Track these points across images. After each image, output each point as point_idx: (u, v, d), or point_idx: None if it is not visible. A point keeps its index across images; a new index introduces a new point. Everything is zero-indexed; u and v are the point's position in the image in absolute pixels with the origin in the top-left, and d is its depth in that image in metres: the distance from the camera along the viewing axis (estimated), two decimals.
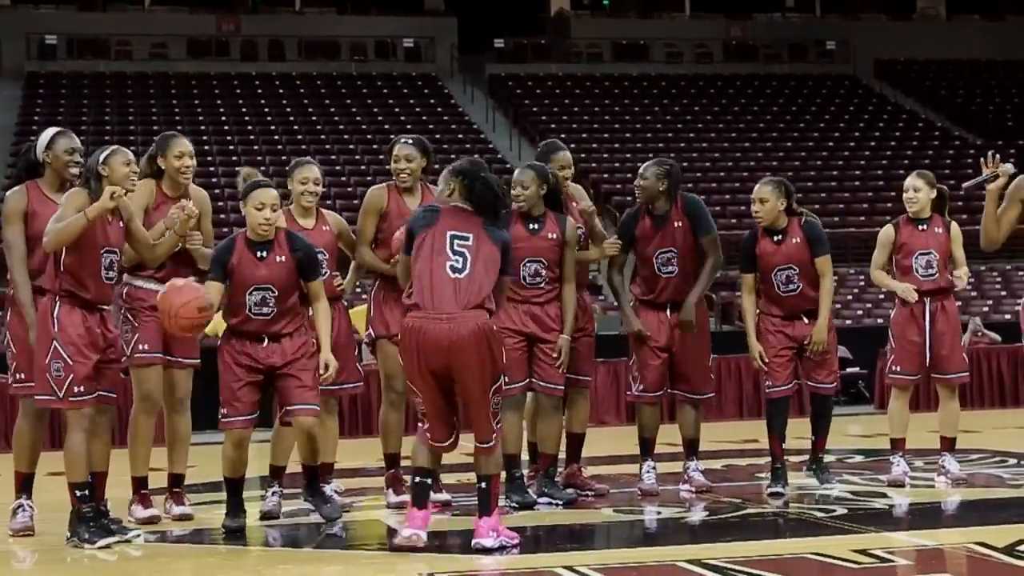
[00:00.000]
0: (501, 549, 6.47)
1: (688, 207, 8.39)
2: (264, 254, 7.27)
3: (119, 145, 7.47)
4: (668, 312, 8.37)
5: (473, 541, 6.54)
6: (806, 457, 8.93)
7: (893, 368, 8.78)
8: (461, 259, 6.63)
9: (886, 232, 8.81)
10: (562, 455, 8.46)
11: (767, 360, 8.41)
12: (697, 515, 7.71)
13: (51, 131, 7.59)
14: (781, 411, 8.50)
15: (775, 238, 8.41)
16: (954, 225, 8.79)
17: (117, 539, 7.03)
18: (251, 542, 7.45)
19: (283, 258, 7.30)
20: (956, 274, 8.71)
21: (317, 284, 7.43)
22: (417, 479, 6.80)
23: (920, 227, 8.71)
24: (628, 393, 8.65)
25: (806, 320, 8.42)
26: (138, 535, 7.21)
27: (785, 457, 8.45)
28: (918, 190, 8.76)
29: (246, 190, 7.39)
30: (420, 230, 6.75)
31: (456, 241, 6.66)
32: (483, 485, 6.67)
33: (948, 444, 8.73)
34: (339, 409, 15.93)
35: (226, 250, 7.27)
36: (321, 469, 8.16)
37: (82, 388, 6.99)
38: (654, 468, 8.49)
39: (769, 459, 8.50)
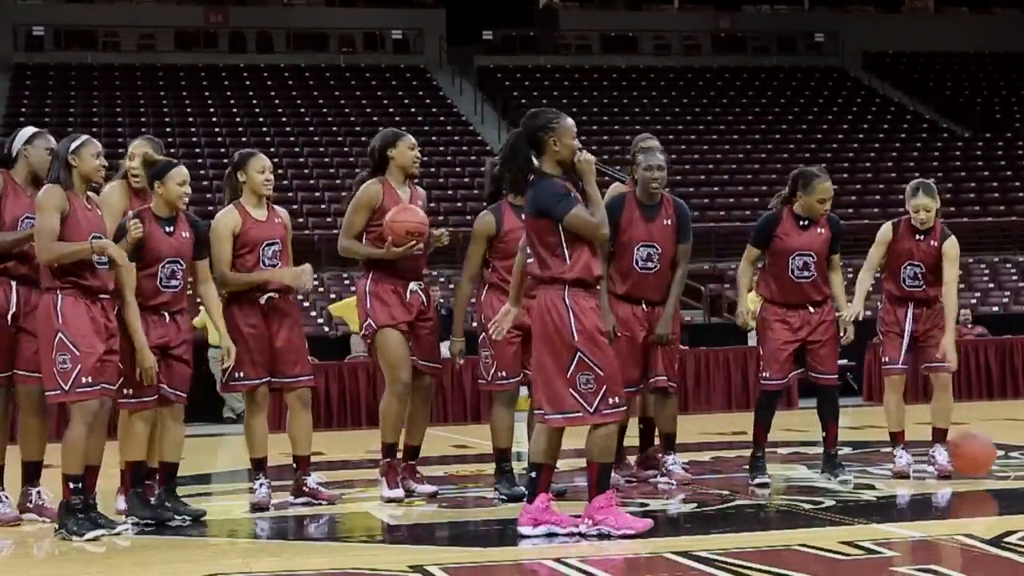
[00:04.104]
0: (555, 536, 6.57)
1: (680, 209, 8.36)
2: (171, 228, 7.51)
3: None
4: (643, 306, 8.31)
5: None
6: (795, 450, 8.93)
7: (884, 360, 8.80)
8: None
9: (884, 232, 8.71)
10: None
11: (766, 350, 8.38)
12: (686, 507, 7.71)
13: (31, 129, 7.71)
14: (772, 404, 8.52)
15: (801, 223, 8.43)
16: (951, 241, 8.61)
17: (105, 532, 7.03)
18: (239, 534, 7.46)
19: (186, 234, 7.55)
20: (945, 302, 8.57)
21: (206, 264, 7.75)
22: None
23: (917, 237, 8.60)
24: None
25: (811, 309, 8.42)
26: (126, 528, 7.21)
27: (767, 449, 8.50)
28: (928, 210, 8.55)
29: (163, 169, 7.50)
30: None
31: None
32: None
33: (940, 435, 8.71)
34: (327, 402, 16.20)
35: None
36: (300, 462, 8.17)
37: (89, 379, 6.98)
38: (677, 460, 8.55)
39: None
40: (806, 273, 8.38)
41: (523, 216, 8.07)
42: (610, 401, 6.54)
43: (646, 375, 8.36)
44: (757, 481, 8.27)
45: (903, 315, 8.68)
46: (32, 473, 7.79)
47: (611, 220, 8.10)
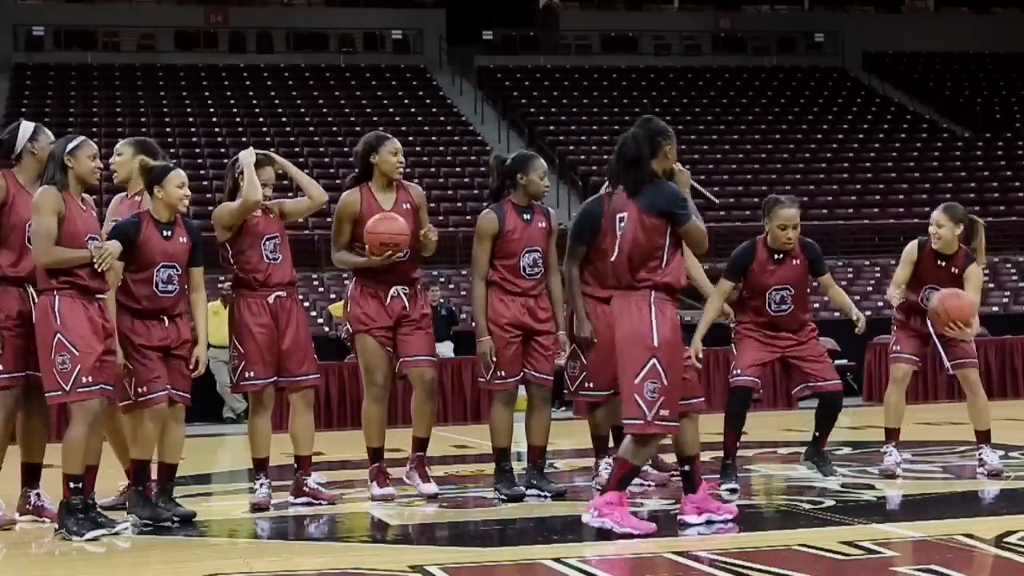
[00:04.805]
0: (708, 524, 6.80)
1: None
2: (169, 233, 7.48)
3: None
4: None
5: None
6: (795, 450, 8.91)
7: (894, 348, 8.73)
8: (619, 240, 6.77)
9: (910, 251, 8.63)
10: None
11: (740, 350, 8.36)
12: None
13: (30, 125, 7.66)
14: (742, 404, 8.44)
15: (776, 256, 8.30)
16: (974, 267, 8.52)
17: (105, 532, 7.03)
18: (239, 534, 7.47)
19: (184, 239, 7.52)
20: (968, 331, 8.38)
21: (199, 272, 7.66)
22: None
23: (940, 262, 8.52)
24: (566, 391, 8.38)
25: (789, 335, 8.37)
26: (126, 527, 7.21)
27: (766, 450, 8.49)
28: (941, 226, 8.45)
29: (160, 173, 7.49)
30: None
31: (619, 222, 6.80)
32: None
33: (982, 436, 8.64)
34: (327, 402, 16.19)
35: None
36: (301, 462, 8.17)
37: (89, 379, 6.99)
38: (611, 464, 8.48)
39: (755, 451, 8.48)
40: (784, 307, 8.32)
41: (524, 216, 8.10)
42: (663, 413, 6.62)
43: None
44: (726, 487, 8.15)
45: (919, 322, 8.64)
46: (32, 475, 7.79)
47: (592, 224, 8.14)
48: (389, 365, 8.25)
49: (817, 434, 8.58)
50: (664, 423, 6.62)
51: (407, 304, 8.25)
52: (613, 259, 6.78)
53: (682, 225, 6.66)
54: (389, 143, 8.29)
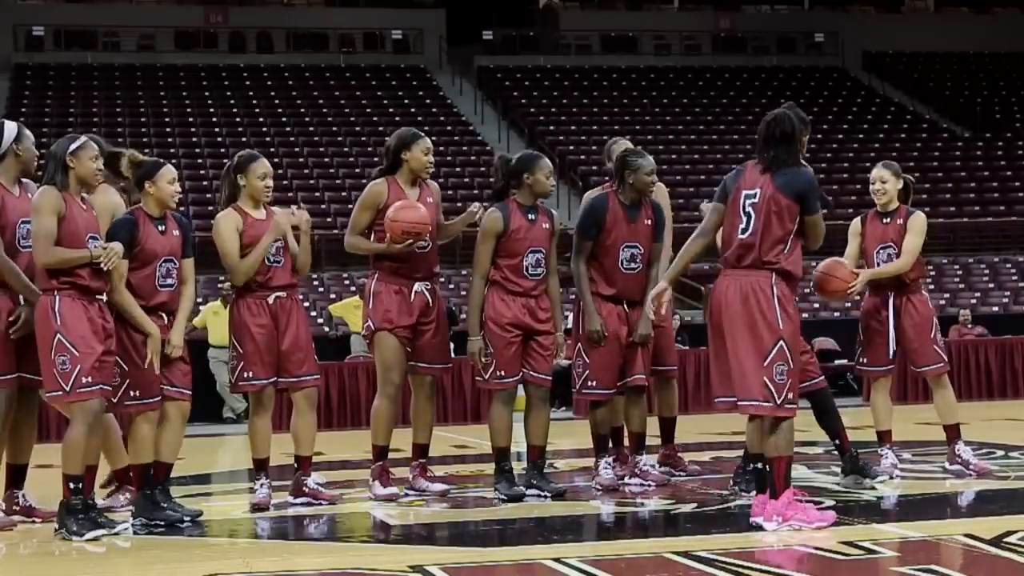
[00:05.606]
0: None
1: (657, 208, 8.35)
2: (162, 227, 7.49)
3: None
4: (624, 307, 8.29)
5: (752, 520, 6.68)
6: (795, 450, 8.83)
7: (861, 360, 8.74)
8: (747, 219, 6.72)
9: (854, 224, 8.79)
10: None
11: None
12: (686, 507, 7.71)
13: (14, 125, 7.60)
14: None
15: None
16: (916, 215, 8.61)
17: (105, 532, 7.03)
18: (239, 534, 7.47)
19: (176, 232, 7.54)
20: (882, 269, 8.46)
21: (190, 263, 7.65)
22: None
23: (885, 220, 8.63)
24: (573, 390, 8.44)
25: None
26: (126, 527, 7.22)
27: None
28: (885, 181, 8.62)
29: (152, 168, 7.48)
30: (730, 190, 6.87)
31: (747, 200, 6.74)
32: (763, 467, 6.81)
33: (951, 432, 8.67)
34: (327, 402, 16.19)
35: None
36: (301, 463, 8.17)
37: (89, 379, 6.99)
38: (611, 464, 8.48)
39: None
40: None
41: (529, 216, 8.11)
42: (790, 396, 6.66)
43: (624, 374, 8.35)
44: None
45: (882, 305, 8.58)
46: (18, 475, 7.78)
47: (596, 221, 8.18)
48: (409, 365, 8.30)
49: (837, 441, 8.34)
50: (792, 405, 6.65)
51: (430, 300, 8.30)
52: (743, 237, 6.69)
53: (811, 214, 6.71)
54: (422, 141, 8.39)
